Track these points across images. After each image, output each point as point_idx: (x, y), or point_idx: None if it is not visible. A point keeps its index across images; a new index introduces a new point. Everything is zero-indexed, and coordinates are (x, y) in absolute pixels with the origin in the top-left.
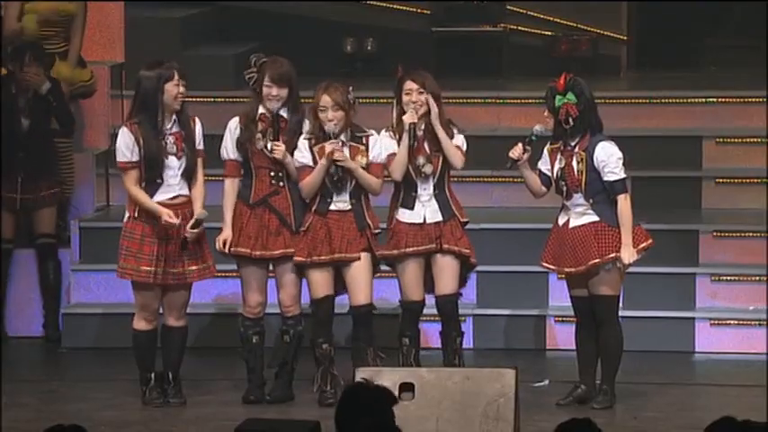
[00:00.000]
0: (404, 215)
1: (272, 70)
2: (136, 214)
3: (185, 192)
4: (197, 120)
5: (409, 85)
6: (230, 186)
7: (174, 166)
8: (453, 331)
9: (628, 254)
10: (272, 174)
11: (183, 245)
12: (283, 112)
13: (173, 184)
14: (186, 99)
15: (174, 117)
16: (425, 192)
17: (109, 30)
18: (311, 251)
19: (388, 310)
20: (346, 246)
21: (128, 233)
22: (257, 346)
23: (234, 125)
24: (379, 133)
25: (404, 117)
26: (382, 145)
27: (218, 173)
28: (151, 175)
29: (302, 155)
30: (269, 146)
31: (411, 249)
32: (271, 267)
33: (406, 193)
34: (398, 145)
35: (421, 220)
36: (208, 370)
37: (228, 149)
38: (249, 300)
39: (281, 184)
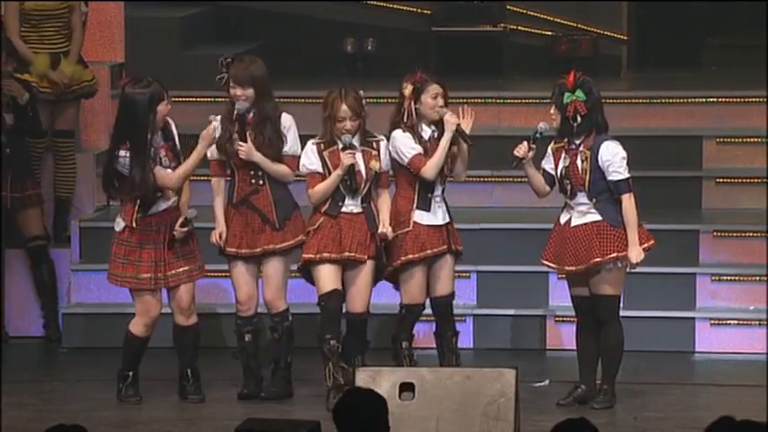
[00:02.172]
0: (422, 217)
1: (235, 71)
2: (134, 224)
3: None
4: (170, 120)
5: (436, 89)
6: (216, 185)
7: None
8: (449, 330)
9: (635, 253)
10: (252, 173)
11: (170, 243)
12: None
13: (172, 194)
14: (184, 100)
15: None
16: (439, 193)
17: (109, 30)
18: (320, 248)
19: (385, 310)
20: (357, 247)
21: (124, 241)
22: (250, 345)
23: (216, 126)
24: (388, 137)
25: (446, 117)
26: (399, 147)
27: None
28: (147, 201)
29: (311, 161)
30: (236, 146)
31: (431, 251)
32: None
33: (422, 195)
34: (418, 143)
35: (439, 222)
36: (207, 370)
37: (212, 149)
38: (238, 298)
39: (261, 182)
